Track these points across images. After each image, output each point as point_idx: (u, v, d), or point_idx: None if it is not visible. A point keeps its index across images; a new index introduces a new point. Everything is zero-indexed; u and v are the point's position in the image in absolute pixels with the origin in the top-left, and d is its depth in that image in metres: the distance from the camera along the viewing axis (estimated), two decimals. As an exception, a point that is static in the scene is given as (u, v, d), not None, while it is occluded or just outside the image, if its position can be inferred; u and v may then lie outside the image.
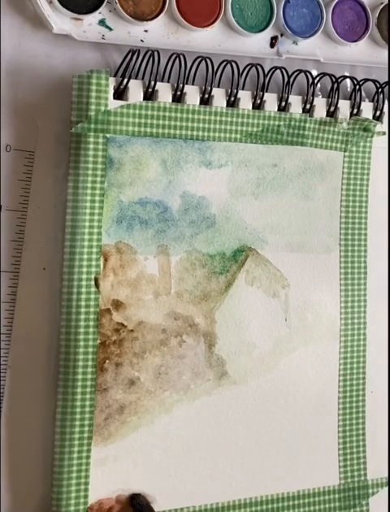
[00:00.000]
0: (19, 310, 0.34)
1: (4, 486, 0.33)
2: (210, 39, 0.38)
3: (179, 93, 0.35)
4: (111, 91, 0.34)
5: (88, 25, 0.35)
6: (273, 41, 0.40)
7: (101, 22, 0.36)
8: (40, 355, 0.34)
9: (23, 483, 0.34)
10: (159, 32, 0.37)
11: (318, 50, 0.41)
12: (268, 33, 0.40)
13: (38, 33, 0.35)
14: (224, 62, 0.36)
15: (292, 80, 0.38)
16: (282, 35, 0.40)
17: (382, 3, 0.42)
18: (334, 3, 0.41)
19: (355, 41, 0.42)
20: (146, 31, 0.37)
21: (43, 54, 0.35)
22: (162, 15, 0.36)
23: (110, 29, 0.36)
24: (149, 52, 0.34)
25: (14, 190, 0.34)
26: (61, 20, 0.34)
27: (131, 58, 0.34)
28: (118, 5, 0.35)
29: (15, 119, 0.34)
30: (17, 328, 0.34)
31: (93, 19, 0.35)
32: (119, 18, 0.36)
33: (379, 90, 0.41)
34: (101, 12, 0.35)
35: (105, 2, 0.35)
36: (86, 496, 0.34)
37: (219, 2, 0.38)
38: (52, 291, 0.34)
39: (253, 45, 0.39)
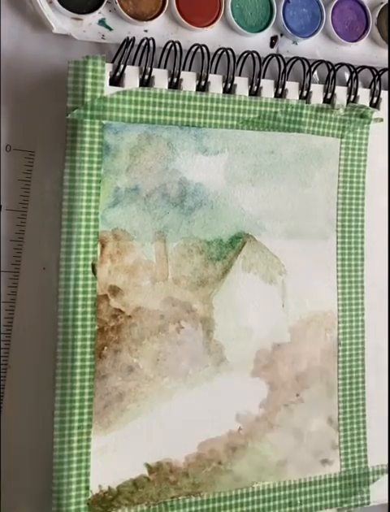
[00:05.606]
0: (19, 309, 0.34)
1: (4, 482, 0.33)
2: (210, 39, 0.38)
3: (175, 79, 0.35)
4: (107, 77, 0.34)
5: (88, 25, 0.35)
6: (273, 41, 0.40)
7: (101, 22, 0.36)
8: (40, 355, 0.34)
9: (23, 481, 0.34)
10: (159, 32, 0.37)
11: (317, 50, 0.41)
12: (268, 33, 0.40)
13: (38, 33, 0.35)
14: (220, 50, 0.37)
15: (288, 68, 0.38)
16: (282, 35, 0.40)
17: (382, 3, 0.42)
18: (334, 3, 0.41)
19: (355, 41, 0.42)
20: (146, 31, 0.37)
21: (43, 54, 0.35)
22: (162, 14, 0.36)
23: (110, 29, 0.36)
24: (145, 40, 0.34)
25: (14, 190, 0.34)
26: (61, 20, 0.35)
27: (126, 47, 0.34)
28: (118, 5, 0.35)
29: (15, 119, 0.34)
30: (17, 328, 0.34)
31: (92, 18, 0.35)
32: (118, 18, 0.36)
33: (376, 77, 0.41)
34: (101, 12, 0.35)
35: (105, 2, 0.35)
36: (87, 488, 0.33)
37: (219, 2, 0.38)
38: (52, 291, 0.34)
39: (253, 44, 0.39)
